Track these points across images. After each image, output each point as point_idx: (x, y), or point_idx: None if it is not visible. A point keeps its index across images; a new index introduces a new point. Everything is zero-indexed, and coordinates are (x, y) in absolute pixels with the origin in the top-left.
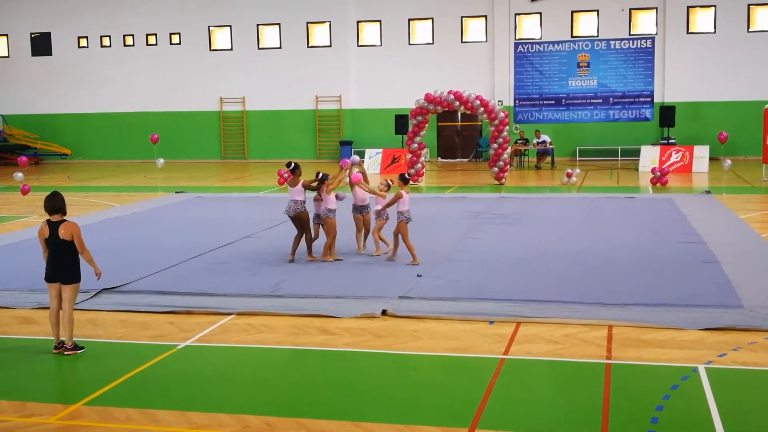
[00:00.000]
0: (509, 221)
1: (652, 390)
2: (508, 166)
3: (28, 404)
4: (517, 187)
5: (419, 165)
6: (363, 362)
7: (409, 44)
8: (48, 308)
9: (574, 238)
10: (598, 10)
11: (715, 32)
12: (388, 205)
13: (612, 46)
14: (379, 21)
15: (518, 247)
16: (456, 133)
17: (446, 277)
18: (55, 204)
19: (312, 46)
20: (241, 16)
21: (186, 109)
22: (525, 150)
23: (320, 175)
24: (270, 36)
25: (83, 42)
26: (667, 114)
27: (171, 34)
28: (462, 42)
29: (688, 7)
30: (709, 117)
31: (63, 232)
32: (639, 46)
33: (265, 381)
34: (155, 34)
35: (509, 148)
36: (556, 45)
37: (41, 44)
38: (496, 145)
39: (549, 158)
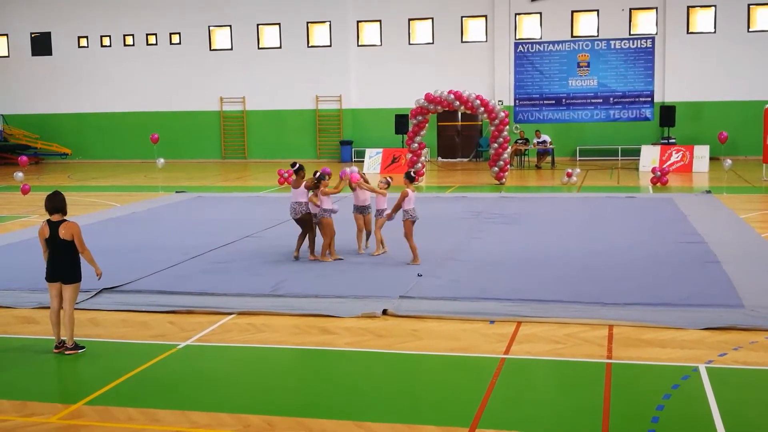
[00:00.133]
0: (509, 221)
1: (652, 389)
2: (508, 166)
3: (29, 404)
4: (517, 187)
5: (419, 165)
6: (364, 362)
7: (409, 44)
8: (48, 308)
9: (574, 238)
10: (598, 10)
11: (715, 32)
12: (397, 207)
13: (612, 46)
14: (379, 21)
15: (519, 247)
16: (456, 133)
17: (447, 277)
18: (55, 204)
19: (312, 46)
20: (241, 16)
21: (186, 109)
22: (525, 150)
23: (317, 174)
24: (270, 36)
25: (83, 42)
26: (668, 114)
27: (171, 33)
28: (462, 42)
29: (688, 7)
30: (709, 117)
31: (63, 232)
32: (639, 46)
33: (265, 381)
34: (155, 34)
35: (509, 147)
36: (556, 45)
37: (41, 44)
38: (496, 145)
39: (549, 158)
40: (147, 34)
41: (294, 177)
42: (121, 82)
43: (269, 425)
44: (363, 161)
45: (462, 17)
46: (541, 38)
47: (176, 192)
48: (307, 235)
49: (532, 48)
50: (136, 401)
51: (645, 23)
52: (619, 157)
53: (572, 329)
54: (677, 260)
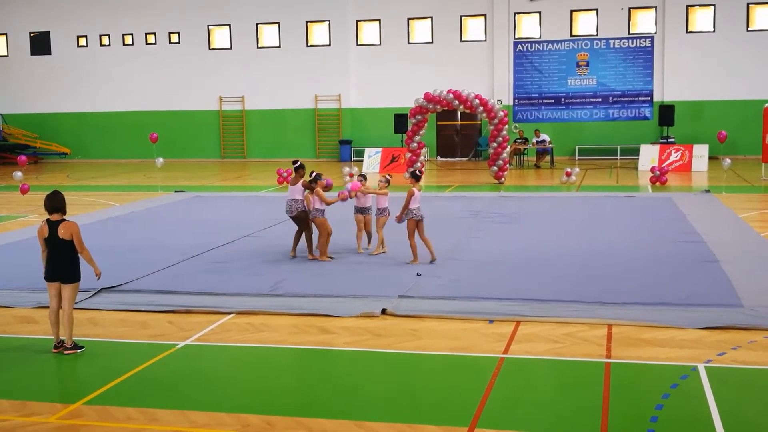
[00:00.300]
0: (509, 220)
1: (651, 389)
2: (507, 165)
3: (28, 403)
4: (516, 186)
5: (419, 164)
6: (363, 361)
7: (409, 43)
8: (48, 307)
9: (573, 237)
10: (597, 9)
11: (714, 31)
12: (405, 208)
13: (611, 45)
14: (379, 20)
15: (518, 246)
16: (455, 132)
17: (446, 276)
18: (55, 203)
19: (311, 46)
20: (240, 16)
21: (185, 108)
22: (524, 149)
23: (314, 174)
24: (269, 35)
25: (82, 41)
26: (667, 113)
27: (170, 33)
28: (461, 41)
29: (688, 6)
30: (708, 116)
31: (63, 232)
32: (638, 45)
33: (264, 380)
34: (154, 33)
35: (508, 147)
36: (555, 44)
37: (40, 43)
38: (495, 144)
39: (548, 157)
40: (146, 34)
41: (294, 175)
42: (121, 82)
43: (268, 425)
44: (362, 160)
45: (461, 16)
46: (540, 37)
47: (175, 191)
48: (304, 234)
49: (531, 47)
50: (135, 401)
51: (644, 22)
52: (618, 157)
53: (571, 329)
54: (676, 260)
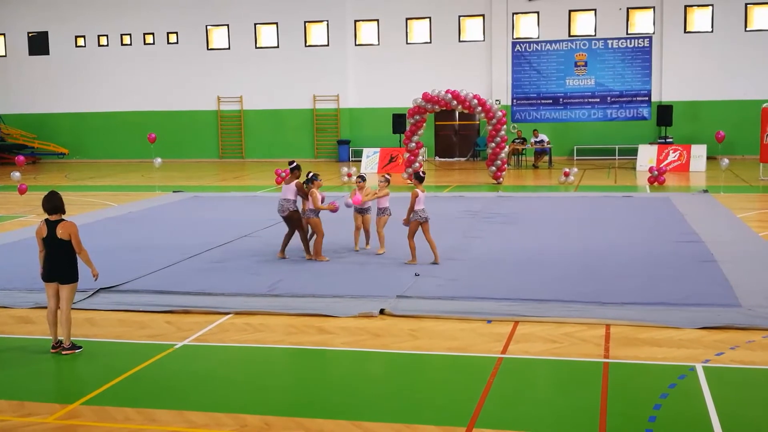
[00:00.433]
0: (507, 220)
1: (649, 389)
2: (505, 166)
3: (26, 404)
4: (514, 187)
5: (417, 164)
6: (361, 361)
7: (407, 43)
8: (45, 308)
9: (571, 237)
10: (595, 10)
11: (712, 31)
12: (410, 210)
13: (609, 45)
14: (377, 20)
15: (516, 247)
16: (454, 133)
17: (444, 276)
18: (53, 203)
19: (309, 46)
20: (238, 16)
21: (183, 109)
22: (523, 149)
23: (310, 174)
24: (267, 35)
25: (80, 41)
26: (665, 113)
27: (168, 33)
28: (459, 41)
29: (686, 6)
30: (706, 116)
31: (61, 232)
32: (636, 45)
33: (262, 380)
34: (152, 33)
35: (507, 147)
36: (553, 44)
37: (38, 43)
38: (493, 144)
39: (546, 157)
40: (144, 34)
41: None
42: (119, 82)
43: (266, 425)
44: (360, 161)
45: (459, 17)
46: (538, 37)
47: (173, 192)
48: (298, 235)
49: (529, 47)
50: (134, 401)
51: (642, 22)
52: (617, 157)
53: (569, 328)
54: (674, 260)
